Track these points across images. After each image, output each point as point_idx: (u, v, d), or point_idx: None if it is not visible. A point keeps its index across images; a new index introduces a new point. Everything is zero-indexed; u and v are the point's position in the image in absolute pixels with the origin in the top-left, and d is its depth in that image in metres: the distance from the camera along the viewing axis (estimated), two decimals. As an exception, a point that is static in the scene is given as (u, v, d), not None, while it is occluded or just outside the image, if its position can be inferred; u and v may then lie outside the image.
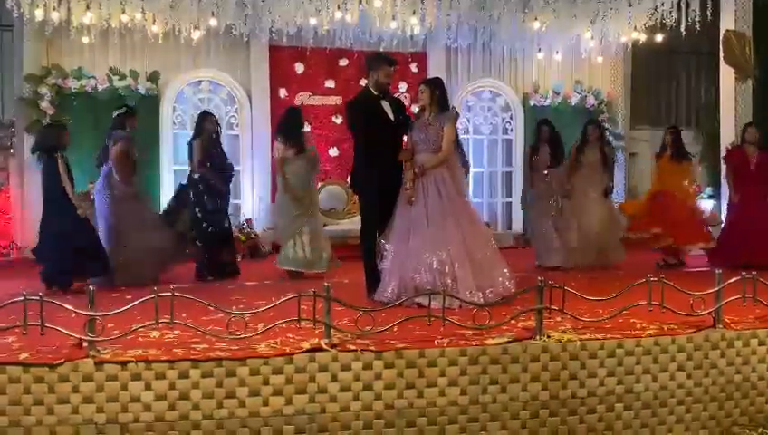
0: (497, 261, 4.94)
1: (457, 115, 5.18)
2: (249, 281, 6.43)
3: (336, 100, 9.90)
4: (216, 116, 7.05)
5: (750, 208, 7.10)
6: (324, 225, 7.93)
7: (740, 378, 3.73)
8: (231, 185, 6.91)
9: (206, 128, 6.58)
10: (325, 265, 6.53)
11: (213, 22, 8.21)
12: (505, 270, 4.89)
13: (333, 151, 9.86)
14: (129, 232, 6.07)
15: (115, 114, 6.47)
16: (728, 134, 8.38)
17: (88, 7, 7.84)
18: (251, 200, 9.57)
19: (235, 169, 7.21)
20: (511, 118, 10.40)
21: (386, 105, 5.14)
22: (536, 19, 8.53)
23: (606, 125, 10.45)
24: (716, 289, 3.75)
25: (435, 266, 4.65)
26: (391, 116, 5.14)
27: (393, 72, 5.26)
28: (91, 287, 3.17)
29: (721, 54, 8.37)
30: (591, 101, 10.50)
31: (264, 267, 7.41)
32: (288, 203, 6.58)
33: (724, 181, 8.25)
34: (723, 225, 7.61)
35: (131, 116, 6.48)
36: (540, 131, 7.39)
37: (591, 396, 3.50)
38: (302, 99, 9.84)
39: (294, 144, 6.57)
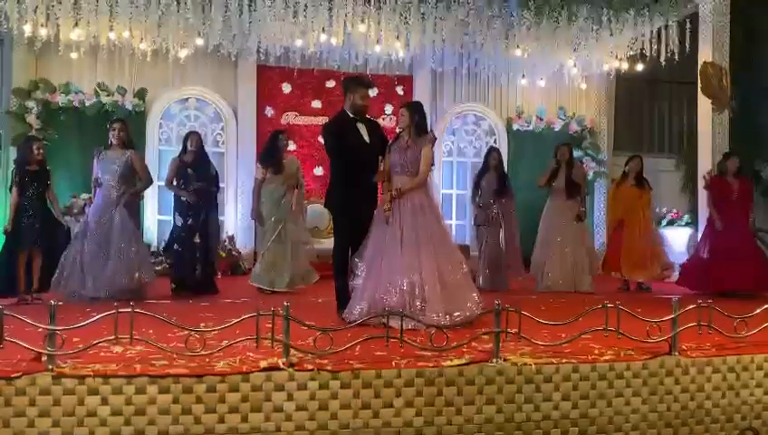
0: (467, 285, 4.99)
1: (435, 139, 5.27)
2: (226, 298, 6.49)
3: (322, 120, 10.00)
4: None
5: (731, 236, 7.22)
6: (305, 243, 8.04)
7: (694, 405, 3.78)
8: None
9: None
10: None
11: (200, 41, 8.34)
12: (474, 295, 4.93)
13: (318, 171, 9.98)
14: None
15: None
16: (705, 163, 8.52)
17: (76, 24, 7.95)
18: (234, 217, 9.63)
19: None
20: (495, 142, 10.53)
21: (361, 127, 5.21)
22: (518, 47, 8.69)
23: (589, 151, 10.67)
24: (673, 316, 3.82)
25: (405, 288, 4.71)
26: (367, 138, 5.21)
27: (369, 94, 5.35)
28: (52, 302, 3.22)
29: (698, 85, 8.53)
30: (575, 126, 10.67)
31: (243, 284, 7.47)
32: None
33: (701, 209, 8.39)
34: (702, 251, 7.70)
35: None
36: (490, 157, 7.61)
37: (546, 420, 3.55)
38: (289, 118, 9.98)
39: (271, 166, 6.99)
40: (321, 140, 9.79)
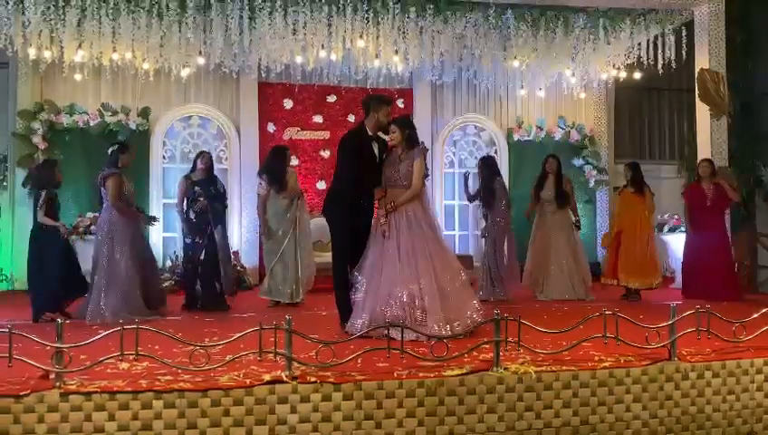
0: (467, 294, 5.05)
1: (426, 150, 5.35)
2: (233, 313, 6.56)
3: (324, 134, 10.16)
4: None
5: (707, 242, 7.33)
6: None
7: (695, 410, 3.82)
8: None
9: None
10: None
11: (201, 60, 8.45)
12: (474, 302, 5.00)
13: (321, 185, 10.04)
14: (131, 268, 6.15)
15: (109, 151, 6.43)
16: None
17: (80, 46, 8.08)
18: (238, 233, 9.70)
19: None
20: (495, 152, 10.58)
21: (374, 145, 5.33)
22: (515, 58, 8.77)
23: (590, 159, 10.71)
24: (671, 322, 3.86)
25: (405, 300, 4.76)
26: (377, 156, 5.31)
27: (390, 111, 5.45)
28: (59, 320, 3.28)
29: (696, 92, 8.59)
30: (575, 135, 10.72)
31: (248, 299, 7.54)
32: None
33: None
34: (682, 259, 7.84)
35: (124, 152, 6.44)
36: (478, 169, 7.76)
37: (548, 427, 3.59)
38: (291, 134, 10.07)
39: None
40: (323, 154, 10.08)
